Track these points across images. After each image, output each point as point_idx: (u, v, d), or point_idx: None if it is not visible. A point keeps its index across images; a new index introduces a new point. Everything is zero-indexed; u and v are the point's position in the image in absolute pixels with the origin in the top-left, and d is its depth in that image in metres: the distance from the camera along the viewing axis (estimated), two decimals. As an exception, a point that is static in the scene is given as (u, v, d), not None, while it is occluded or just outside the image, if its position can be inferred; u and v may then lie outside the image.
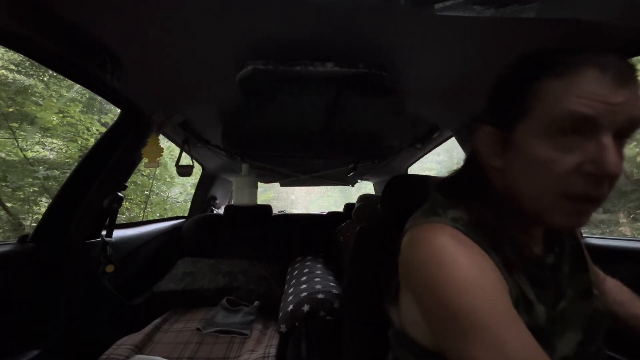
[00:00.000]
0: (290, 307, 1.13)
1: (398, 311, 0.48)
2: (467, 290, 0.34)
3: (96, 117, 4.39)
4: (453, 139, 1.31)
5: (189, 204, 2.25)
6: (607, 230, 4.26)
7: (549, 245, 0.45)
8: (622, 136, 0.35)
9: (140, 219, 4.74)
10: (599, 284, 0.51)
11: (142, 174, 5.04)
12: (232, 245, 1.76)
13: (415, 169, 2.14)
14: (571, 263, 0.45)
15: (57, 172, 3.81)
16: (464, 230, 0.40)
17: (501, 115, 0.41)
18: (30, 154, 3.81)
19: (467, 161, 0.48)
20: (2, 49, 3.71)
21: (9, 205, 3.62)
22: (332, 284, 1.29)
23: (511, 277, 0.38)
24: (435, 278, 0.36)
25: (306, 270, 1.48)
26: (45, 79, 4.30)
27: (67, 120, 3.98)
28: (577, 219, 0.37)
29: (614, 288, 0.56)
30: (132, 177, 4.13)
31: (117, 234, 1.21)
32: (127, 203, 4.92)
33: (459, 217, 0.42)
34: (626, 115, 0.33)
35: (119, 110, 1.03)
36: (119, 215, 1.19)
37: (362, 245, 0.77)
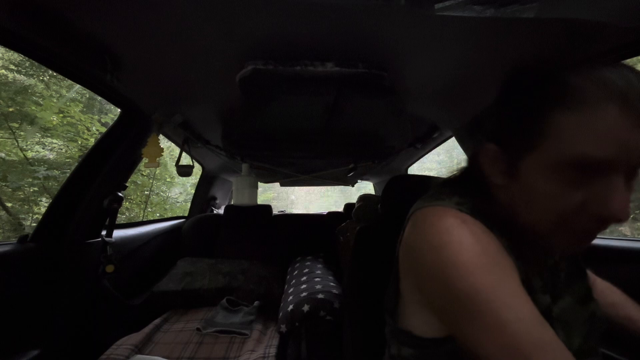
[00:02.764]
0: (290, 307, 1.13)
1: (397, 307, 0.47)
2: (473, 272, 0.33)
3: (96, 117, 4.39)
4: (453, 139, 1.31)
5: (189, 204, 2.25)
6: (607, 230, 4.26)
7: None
8: (633, 176, 0.33)
9: (140, 219, 4.74)
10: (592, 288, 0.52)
11: (142, 174, 5.04)
12: (232, 245, 1.76)
13: (415, 169, 2.14)
14: (568, 269, 0.45)
15: (57, 172, 3.81)
16: (469, 212, 0.39)
17: (509, 139, 0.39)
18: (30, 154, 3.82)
19: (469, 166, 0.47)
20: (2, 49, 3.71)
21: (9, 205, 3.62)
22: (332, 284, 1.29)
23: (526, 279, 0.37)
24: (441, 260, 0.35)
25: (306, 270, 1.48)
26: (45, 79, 4.30)
27: (67, 120, 3.98)
28: (574, 248, 0.36)
29: (604, 289, 0.56)
30: (132, 177, 4.13)
31: (117, 234, 1.21)
32: (127, 203, 4.92)
33: (463, 202, 0.41)
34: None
35: (119, 110, 1.03)
36: (119, 215, 1.19)
37: (362, 245, 0.77)
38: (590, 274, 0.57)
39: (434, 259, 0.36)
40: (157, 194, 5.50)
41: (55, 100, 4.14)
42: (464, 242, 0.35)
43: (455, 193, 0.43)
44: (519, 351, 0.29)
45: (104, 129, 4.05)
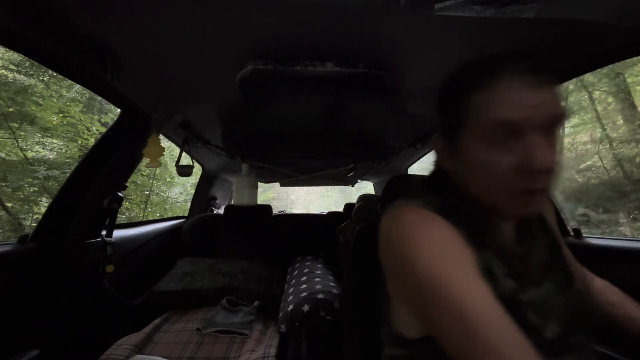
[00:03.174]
0: (290, 307, 1.13)
1: (388, 308, 0.49)
2: (433, 260, 0.37)
3: (96, 117, 4.39)
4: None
5: (189, 204, 2.25)
6: (607, 230, 4.26)
7: (519, 238, 0.47)
8: (550, 132, 0.38)
9: (140, 219, 4.74)
10: (587, 284, 0.53)
11: (142, 174, 5.04)
12: (232, 245, 1.76)
13: (415, 169, 2.14)
14: (548, 257, 0.46)
15: (57, 172, 3.81)
16: (433, 209, 0.43)
17: (445, 126, 0.46)
18: (30, 154, 3.81)
19: (434, 166, 0.53)
20: (2, 49, 3.71)
21: (9, 205, 3.62)
22: (332, 284, 1.29)
23: (478, 252, 0.41)
24: (405, 251, 0.39)
25: (306, 270, 1.48)
26: (45, 79, 4.30)
27: (67, 120, 3.98)
28: (528, 208, 0.40)
29: (603, 289, 0.56)
30: (132, 177, 4.13)
31: (117, 234, 1.21)
32: (127, 203, 4.92)
33: (430, 201, 0.46)
34: (546, 114, 0.37)
35: (119, 110, 1.03)
36: (119, 215, 1.19)
37: (362, 245, 0.77)
38: (587, 272, 0.58)
39: (399, 252, 0.40)
40: (157, 194, 5.50)
41: (55, 100, 4.14)
42: (426, 233, 0.39)
43: (425, 192, 0.49)
44: (471, 329, 0.32)
45: (104, 129, 4.04)
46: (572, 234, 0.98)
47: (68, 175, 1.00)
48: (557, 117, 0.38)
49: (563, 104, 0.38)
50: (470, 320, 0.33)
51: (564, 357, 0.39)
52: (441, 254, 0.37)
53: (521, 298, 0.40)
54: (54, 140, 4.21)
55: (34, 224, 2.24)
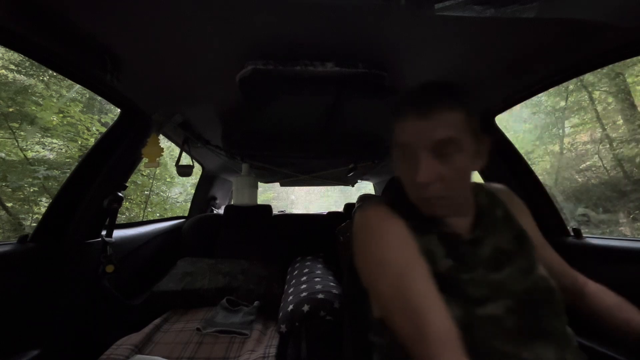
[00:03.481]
0: (290, 307, 1.12)
1: (369, 296, 0.56)
2: (381, 244, 0.48)
3: (96, 117, 4.39)
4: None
5: (189, 204, 2.25)
6: (607, 230, 4.26)
7: (473, 228, 0.54)
8: (438, 152, 0.46)
9: (140, 219, 4.74)
10: (576, 285, 0.58)
11: (142, 174, 5.04)
12: (232, 245, 1.76)
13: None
14: (509, 247, 0.51)
15: (57, 172, 3.81)
16: (388, 207, 0.54)
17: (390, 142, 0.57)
18: (30, 154, 3.81)
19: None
20: (2, 49, 3.71)
21: (9, 205, 3.62)
22: (332, 284, 1.29)
23: (422, 238, 0.50)
24: (363, 238, 0.51)
25: (306, 270, 1.48)
26: (45, 79, 4.30)
27: (67, 120, 3.98)
28: (434, 210, 0.50)
29: (597, 292, 0.57)
30: (132, 177, 4.13)
31: (117, 234, 1.21)
32: (127, 203, 4.92)
33: (389, 199, 0.57)
34: (430, 138, 0.46)
35: (119, 110, 1.03)
36: (119, 215, 1.19)
37: (362, 245, 0.77)
38: (579, 275, 0.60)
39: (360, 237, 0.52)
40: (157, 194, 5.50)
41: (55, 100, 4.14)
42: (377, 224, 0.51)
43: (389, 192, 0.61)
44: (405, 297, 0.42)
45: (104, 129, 4.04)
46: (572, 234, 0.98)
47: (68, 175, 1.00)
48: (440, 141, 0.46)
49: (450, 130, 0.46)
50: (404, 289, 0.42)
51: (535, 342, 0.43)
52: (388, 241, 0.48)
53: (461, 276, 0.47)
54: (54, 140, 4.21)
55: (34, 224, 2.25)
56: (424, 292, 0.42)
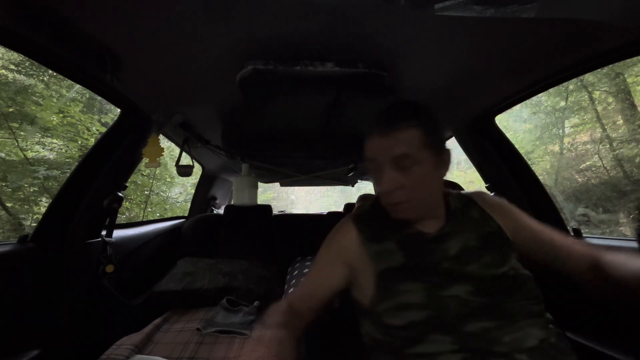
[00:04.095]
0: (290, 307, 1.12)
1: None
2: (323, 247, 0.69)
3: (96, 117, 4.39)
4: (453, 138, 1.31)
5: (189, 204, 2.25)
6: (607, 230, 4.26)
7: (443, 227, 0.60)
8: (398, 165, 0.54)
9: (140, 219, 4.74)
10: (594, 260, 0.55)
11: (142, 174, 5.04)
12: (232, 245, 1.76)
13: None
14: (479, 242, 0.58)
15: (57, 172, 3.81)
16: (354, 219, 0.67)
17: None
18: (30, 154, 3.81)
19: None
20: (2, 49, 3.71)
21: (9, 205, 3.62)
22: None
23: (378, 244, 0.60)
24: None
25: (306, 270, 1.48)
26: (45, 79, 4.29)
27: (67, 120, 3.98)
28: (399, 213, 0.59)
29: (618, 259, 0.52)
30: (132, 177, 4.12)
31: (117, 234, 1.21)
32: (127, 203, 4.92)
33: (360, 208, 0.72)
34: (390, 154, 0.54)
35: (119, 110, 1.03)
36: (119, 215, 1.19)
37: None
38: (599, 250, 0.57)
39: None
40: (157, 194, 5.49)
41: (55, 100, 4.14)
42: (333, 233, 0.70)
43: (368, 201, 0.72)
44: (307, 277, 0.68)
45: (104, 129, 4.05)
46: (572, 234, 0.98)
47: (68, 175, 1.00)
48: (398, 156, 0.54)
49: (405, 147, 0.53)
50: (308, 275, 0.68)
51: (506, 321, 0.49)
52: (327, 245, 0.68)
53: (419, 265, 0.55)
54: (54, 140, 4.20)
55: (34, 224, 2.25)
56: (311, 277, 0.67)
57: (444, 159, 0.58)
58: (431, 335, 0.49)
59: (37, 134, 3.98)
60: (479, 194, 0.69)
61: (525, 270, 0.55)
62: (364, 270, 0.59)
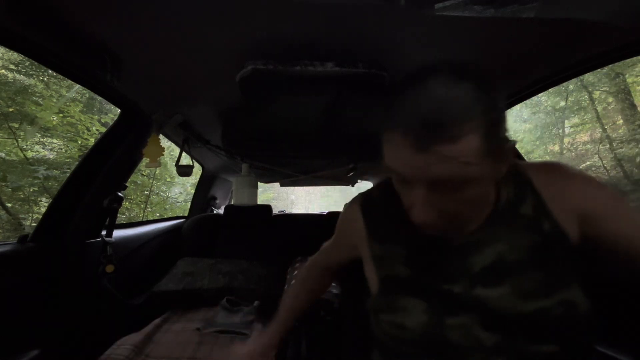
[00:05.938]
0: (290, 307, 1.12)
1: None
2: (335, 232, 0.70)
3: (96, 117, 4.38)
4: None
5: (189, 204, 2.25)
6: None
7: (478, 231, 0.45)
8: (437, 186, 0.37)
9: (140, 219, 4.74)
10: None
11: (142, 174, 5.04)
12: (232, 245, 1.76)
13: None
14: (521, 255, 0.43)
15: (57, 172, 3.81)
16: (362, 206, 0.59)
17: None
18: (30, 154, 3.81)
19: None
20: (2, 49, 3.71)
21: (9, 205, 3.62)
22: (332, 283, 1.29)
23: (383, 245, 0.52)
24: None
25: (306, 270, 1.48)
26: (45, 79, 4.29)
27: (67, 120, 3.98)
28: (427, 228, 0.42)
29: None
30: (132, 177, 4.12)
31: (117, 234, 1.21)
32: (127, 203, 4.92)
33: (368, 194, 0.62)
34: (428, 174, 0.36)
35: (119, 110, 1.03)
36: (119, 215, 1.19)
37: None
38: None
39: None
40: (157, 194, 5.49)
41: (55, 100, 4.14)
42: (341, 215, 0.68)
43: (378, 189, 0.62)
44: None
45: (104, 129, 4.04)
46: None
47: (68, 175, 1.00)
48: (439, 178, 0.36)
49: (457, 165, 0.35)
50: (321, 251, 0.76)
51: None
52: (336, 231, 0.70)
53: (426, 284, 0.45)
54: (54, 140, 4.21)
55: (34, 224, 2.24)
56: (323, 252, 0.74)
57: (506, 151, 0.39)
58: None
59: (37, 133, 3.98)
60: (549, 170, 0.47)
61: (586, 302, 0.40)
62: (370, 268, 0.55)
